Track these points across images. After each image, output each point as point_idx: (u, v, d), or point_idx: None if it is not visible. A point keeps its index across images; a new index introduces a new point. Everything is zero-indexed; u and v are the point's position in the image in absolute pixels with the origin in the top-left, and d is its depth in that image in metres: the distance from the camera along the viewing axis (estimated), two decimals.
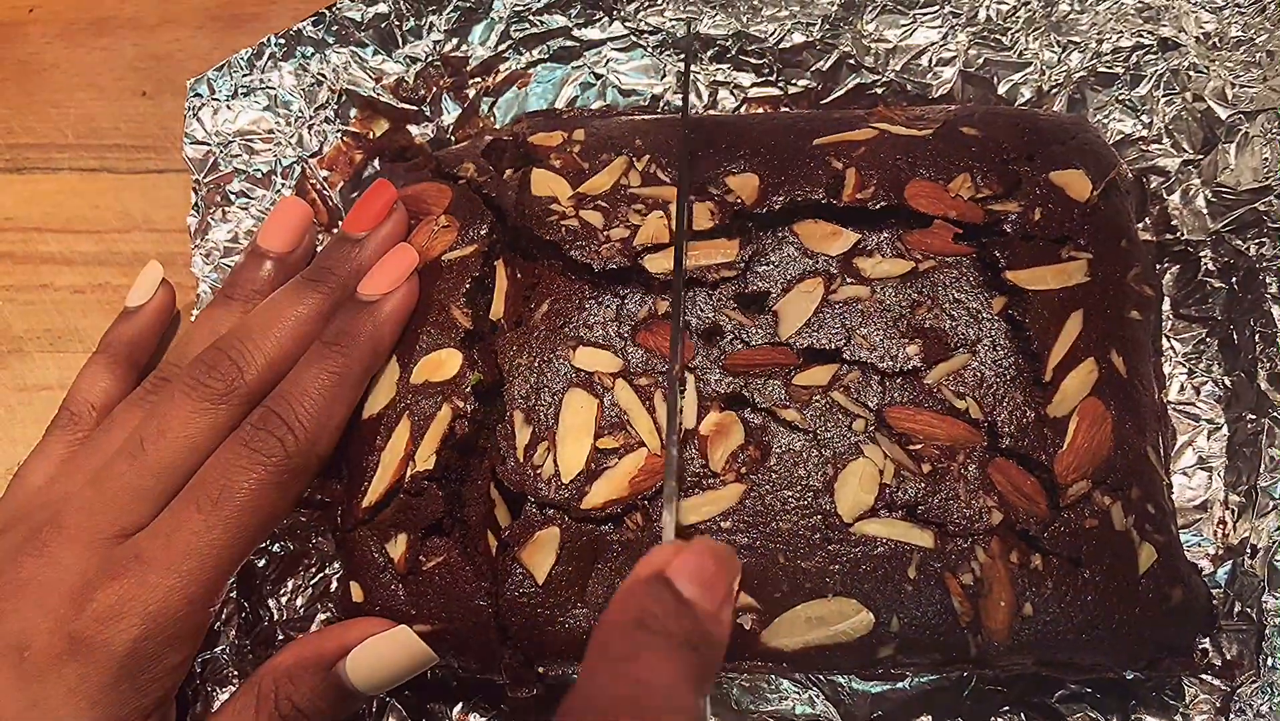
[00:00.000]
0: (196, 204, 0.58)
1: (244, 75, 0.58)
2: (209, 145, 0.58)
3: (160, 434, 0.45)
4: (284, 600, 0.54)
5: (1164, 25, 0.56)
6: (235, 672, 0.52)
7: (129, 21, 0.65)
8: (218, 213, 0.58)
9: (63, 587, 0.42)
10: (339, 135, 0.59)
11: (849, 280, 0.48)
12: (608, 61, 0.59)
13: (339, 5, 0.58)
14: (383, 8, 0.58)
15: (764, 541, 0.45)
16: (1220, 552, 0.51)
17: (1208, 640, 0.49)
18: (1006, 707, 0.50)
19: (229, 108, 0.58)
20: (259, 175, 0.58)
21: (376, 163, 0.59)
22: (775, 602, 0.44)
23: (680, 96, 0.58)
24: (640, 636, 0.35)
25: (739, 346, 0.47)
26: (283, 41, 0.58)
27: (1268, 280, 0.52)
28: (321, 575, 0.55)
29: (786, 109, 0.59)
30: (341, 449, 0.49)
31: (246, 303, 0.51)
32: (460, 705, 0.53)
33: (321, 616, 0.54)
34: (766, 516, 0.45)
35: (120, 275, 0.61)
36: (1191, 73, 0.55)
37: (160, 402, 0.46)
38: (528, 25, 0.59)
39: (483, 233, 0.51)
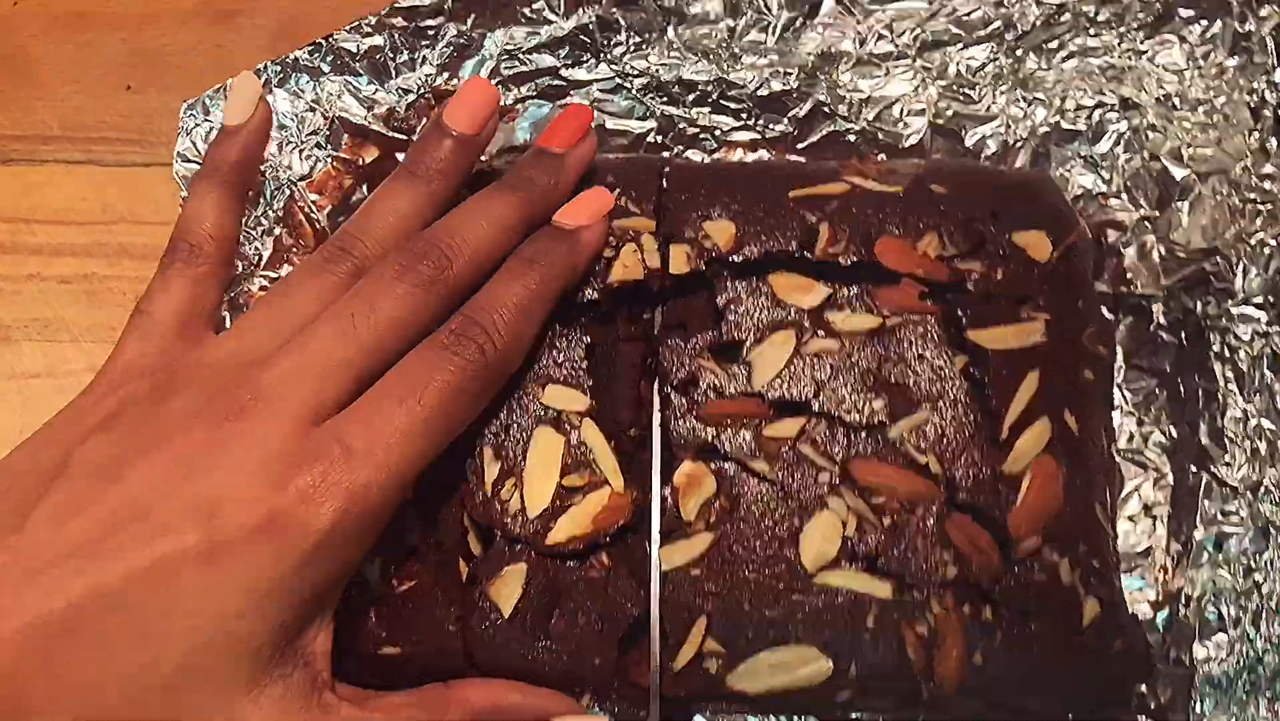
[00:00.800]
0: None
1: None
2: (199, 165, 0.59)
3: (371, 311, 0.44)
4: None
5: (1126, 85, 0.58)
6: None
7: (114, 16, 0.66)
8: None
9: (262, 458, 0.40)
10: (329, 160, 0.60)
11: (820, 333, 0.50)
12: (593, 101, 0.60)
13: (335, 36, 0.59)
14: (378, 40, 0.59)
15: (731, 589, 0.47)
16: (1160, 599, 0.53)
17: (1144, 685, 0.52)
18: None
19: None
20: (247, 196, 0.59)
21: (365, 188, 0.60)
22: (740, 648, 0.47)
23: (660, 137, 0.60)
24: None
25: (712, 396, 0.49)
26: (279, 68, 0.59)
27: (1212, 338, 0.54)
28: None
29: (764, 151, 0.61)
30: None
31: (428, 182, 0.49)
32: None
33: None
34: (734, 565, 0.47)
35: (107, 266, 0.62)
36: (1150, 132, 0.57)
37: (368, 282, 0.45)
38: (517, 63, 0.60)
39: None
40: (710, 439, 0.49)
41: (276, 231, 0.59)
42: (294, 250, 0.59)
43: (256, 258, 0.58)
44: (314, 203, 0.60)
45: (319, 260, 0.47)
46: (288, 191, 0.59)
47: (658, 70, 0.60)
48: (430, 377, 0.43)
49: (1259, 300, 0.54)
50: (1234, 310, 0.54)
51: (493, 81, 0.60)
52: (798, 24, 0.60)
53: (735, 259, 0.51)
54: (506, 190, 0.49)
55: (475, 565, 0.49)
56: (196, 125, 0.59)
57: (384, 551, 0.49)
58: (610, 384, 0.51)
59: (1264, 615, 0.50)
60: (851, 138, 0.60)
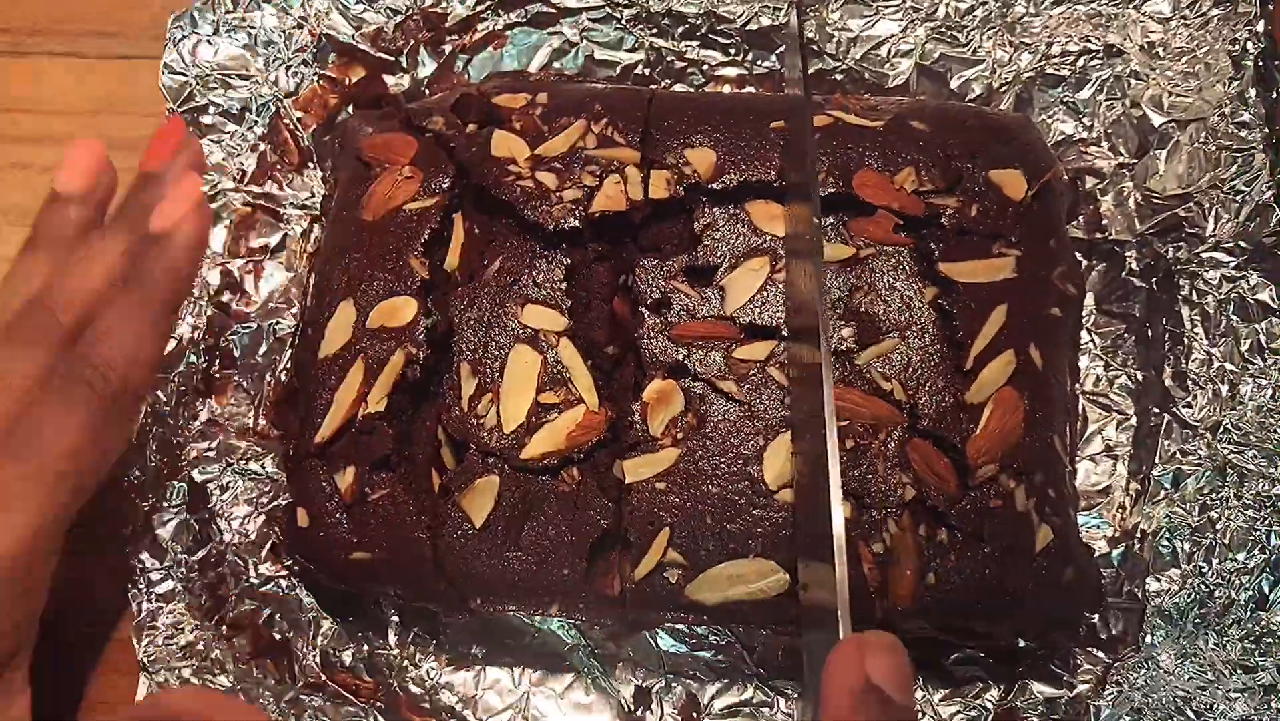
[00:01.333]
0: None
1: (227, 12, 0.60)
2: (186, 77, 0.59)
3: None
4: (235, 524, 0.56)
5: (1111, 32, 0.59)
6: (179, 588, 0.54)
7: None
8: None
9: None
10: (315, 79, 0.60)
11: None
12: (583, 30, 0.61)
13: None
14: None
15: (694, 503, 0.48)
16: (1117, 535, 0.54)
17: (1096, 616, 0.53)
18: None
19: (209, 43, 0.60)
20: (233, 111, 0.60)
21: (350, 108, 0.61)
22: (701, 560, 0.48)
23: (648, 70, 0.61)
24: None
25: (685, 318, 0.50)
26: None
27: (1181, 282, 0.55)
28: (275, 504, 0.56)
29: (750, 89, 0.61)
30: (304, 386, 0.51)
31: (51, 250, 0.49)
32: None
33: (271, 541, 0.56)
34: (698, 480, 0.48)
35: None
36: (1132, 80, 0.58)
37: None
38: None
39: (444, 186, 0.53)
40: (681, 358, 0.50)
41: (261, 147, 0.59)
42: (277, 166, 0.60)
43: (240, 173, 0.59)
44: (299, 120, 0.60)
45: None
46: (273, 108, 0.60)
47: (648, 1, 0.60)
48: (44, 429, 0.44)
49: (1229, 245, 0.54)
50: (1204, 255, 0.55)
51: (483, 6, 0.60)
52: None
53: (715, 186, 0.52)
54: (113, 228, 0.49)
55: (448, 477, 0.50)
56: (184, 37, 0.59)
57: (355, 461, 0.50)
58: (587, 304, 0.52)
59: (1217, 551, 0.51)
60: (838, 76, 0.60)
